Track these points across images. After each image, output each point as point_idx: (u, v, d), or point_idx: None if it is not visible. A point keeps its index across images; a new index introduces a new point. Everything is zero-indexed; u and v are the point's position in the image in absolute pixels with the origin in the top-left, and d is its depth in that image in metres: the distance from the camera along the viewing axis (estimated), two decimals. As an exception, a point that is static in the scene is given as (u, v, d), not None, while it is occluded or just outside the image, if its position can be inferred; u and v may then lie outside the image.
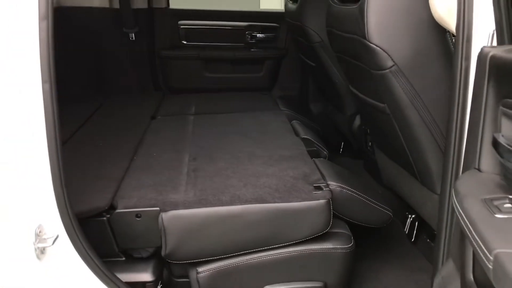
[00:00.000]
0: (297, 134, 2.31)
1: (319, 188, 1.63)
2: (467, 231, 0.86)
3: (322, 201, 1.57)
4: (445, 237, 1.42)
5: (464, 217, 0.87)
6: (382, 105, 1.66)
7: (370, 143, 2.45)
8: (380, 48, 1.48)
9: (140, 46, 3.22)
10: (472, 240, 0.83)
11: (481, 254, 0.80)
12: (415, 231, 2.14)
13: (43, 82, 1.20)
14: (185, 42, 3.33)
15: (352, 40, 1.65)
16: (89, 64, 3.11)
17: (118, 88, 3.20)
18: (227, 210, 1.54)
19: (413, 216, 2.14)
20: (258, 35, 3.35)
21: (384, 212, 1.82)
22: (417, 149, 1.62)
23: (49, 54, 1.19)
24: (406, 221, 2.18)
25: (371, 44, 1.49)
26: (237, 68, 3.42)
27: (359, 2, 1.54)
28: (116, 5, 3.06)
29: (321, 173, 1.76)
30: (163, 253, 1.56)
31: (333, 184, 1.69)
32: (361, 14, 1.50)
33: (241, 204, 1.55)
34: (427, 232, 2.09)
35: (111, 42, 3.16)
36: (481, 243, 0.80)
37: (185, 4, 3.41)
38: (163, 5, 3.27)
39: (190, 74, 3.36)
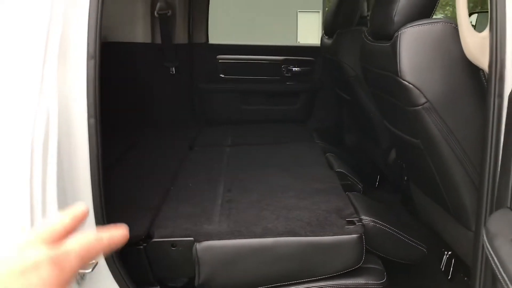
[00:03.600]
0: (331, 167, 2.33)
1: (351, 222, 1.64)
2: (497, 272, 0.86)
3: (354, 236, 1.58)
4: (480, 275, 1.39)
5: (494, 257, 0.87)
6: (415, 140, 1.67)
7: (405, 178, 2.43)
8: (413, 85, 1.49)
9: (179, 79, 3.34)
10: (502, 282, 0.83)
11: (511, 296, 0.80)
12: (451, 269, 2.09)
13: (89, 117, 1.28)
14: (223, 76, 3.43)
15: (385, 77, 1.67)
16: (130, 96, 3.24)
17: (157, 119, 3.31)
18: (259, 242, 1.57)
19: (450, 252, 2.10)
20: (294, 68, 3.42)
21: (418, 249, 1.80)
22: (451, 185, 1.61)
23: (95, 90, 1.28)
24: (443, 258, 2.14)
25: (404, 81, 1.51)
26: (273, 101, 3.49)
27: (392, 40, 1.57)
28: (158, 40, 3.21)
29: (354, 207, 1.77)
30: (196, 283, 1.59)
31: (366, 219, 1.69)
32: (393, 52, 1.53)
33: (273, 237, 1.57)
34: (464, 270, 2.03)
35: (152, 75, 3.29)
36: (510, 286, 0.80)
37: (224, 39, 3.53)
38: (203, 40, 3.40)
39: (228, 107, 3.45)
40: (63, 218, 0.51)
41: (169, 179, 2.13)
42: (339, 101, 3.32)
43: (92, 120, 1.28)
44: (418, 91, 1.49)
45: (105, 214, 1.33)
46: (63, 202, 1.26)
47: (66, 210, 0.52)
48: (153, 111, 3.33)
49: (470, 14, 3.27)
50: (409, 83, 1.50)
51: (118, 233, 0.54)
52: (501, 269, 0.84)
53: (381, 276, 1.64)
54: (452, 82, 1.49)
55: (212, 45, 3.44)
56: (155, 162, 2.40)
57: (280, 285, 1.59)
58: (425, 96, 1.49)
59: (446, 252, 2.11)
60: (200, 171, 2.26)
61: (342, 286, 1.59)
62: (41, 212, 1.20)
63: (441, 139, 1.53)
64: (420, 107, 1.51)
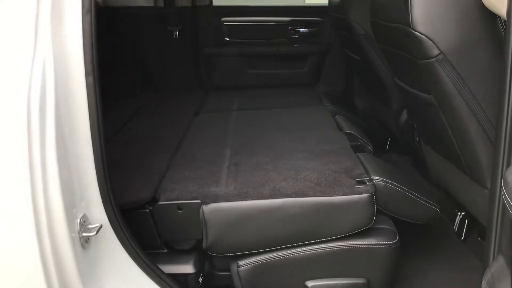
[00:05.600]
0: (340, 129, 2.27)
1: (362, 182, 1.59)
2: None
3: (364, 195, 1.53)
4: (495, 234, 1.35)
5: (514, 208, 0.82)
6: (428, 96, 1.60)
7: (417, 138, 2.37)
8: (425, 36, 1.42)
9: (183, 43, 3.27)
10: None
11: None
12: (465, 229, 2.05)
13: (87, 75, 1.23)
14: (228, 39, 3.35)
15: (396, 30, 1.59)
16: (134, 62, 3.19)
17: (162, 85, 3.26)
18: (267, 203, 1.53)
19: (463, 213, 2.06)
20: (301, 30, 3.32)
21: (431, 208, 1.75)
22: (466, 142, 1.55)
23: (92, 46, 1.22)
24: (455, 219, 2.10)
25: (416, 33, 1.43)
26: (280, 64, 3.41)
27: None
28: (161, 3, 3.12)
29: (364, 167, 1.72)
30: (204, 245, 1.57)
31: (377, 179, 1.64)
32: (405, 2, 1.45)
33: (281, 198, 1.54)
34: (478, 230, 2.00)
35: (155, 40, 3.22)
36: None
37: (228, 1, 3.43)
38: (207, 3, 3.30)
39: (234, 71, 3.38)
40: None
41: (175, 144, 2.09)
42: (349, 62, 3.23)
43: (90, 78, 1.23)
44: (431, 42, 1.42)
45: (107, 175, 1.30)
46: (65, 164, 1.23)
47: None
48: (157, 76, 3.28)
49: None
50: (422, 34, 1.42)
51: None
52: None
53: (393, 236, 1.60)
54: (467, 31, 1.40)
55: (216, 7, 3.34)
56: (160, 127, 2.36)
57: (289, 246, 1.57)
58: (438, 47, 1.41)
59: (459, 213, 2.07)
60: (206, 136, 2.22)
61: (353, 247, 1.56)
62: (41, 176, 1.17)
63: (455, 93, 1.46)
64: (433, 59, 1.43)
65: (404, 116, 2.58)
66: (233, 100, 2.90)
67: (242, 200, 1.54)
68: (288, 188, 1.57)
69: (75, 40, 1.22)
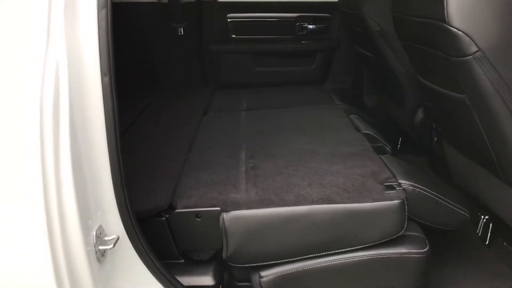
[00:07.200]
0: (357, 129, 2.18)
1: (391, 187, 1.50)
2: None
3: (395, 202, 1.45)
4: None
5: None
6: (460, 95, 1.51)
7: (435, 139, 2.28)
8: (463, 32, 1.32)
9: (188, 40, 3.16)
10: None
11: None
12: (489, 234, 1.97)
13: (103, 74, 1.13)
14: (234, 36, 3.24)
15: (426, 25, 1.50)
16: (138, 59, 3.07)
17: (167, 83, 3.16)
18: (292, 210, 1.44)
19: (487, 217, 1.97)
20: (309, 26, 3.22)
21: (460, 213, 1.67)
22: (502, 144, 1.46)
23: (108, 44, 1.12)
24: (479, 223, 2.02)
25: (452, 28, 1.34)
26: (287, 61, 3.31)
27: None
28: (165, -1, 3.02)
29: (390, 171, 1.63)
30: (224, 255, 1.47)
31: (405, 183, 1.55)
32: (439, -5, 1.36)
33: (307, 205, 1.44)
34: (504, 235, 1.91)
35: (159, 37, 3.12)
36: None
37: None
38: None
39: (240, 68, 3.27)
40: None
41: (186, 145, 1.99)
42: (359, 59, 3.14)
43: (107, 79, 1.13)
44: (468, 39, 1.32)
45: (124, 181, 1.20)
46: (79, 171, 1.13)
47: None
48: (162, 74, 3.17)
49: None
50: (458, 29, 1.33)
51: None
52: None
53: (423, 244, 1.52)
54: (508, 27, 1.31)
55: (222, 3, 3.23)
56: (169, 127, 2.26)
57: (315, 256, 1.48)
58: (476, 44, 1.32)
59: (482, 216, 1.99)
60: (218, 137, 2.12)
61: (383, 256, 1.47)
62: (55, 185, 1.07)
63: (493, 93, 1.37)
64: (470, 56, 1.34)
65: (419, 115, 2.49)
66: (241, 98, 2.80)
67: (265, 208, 1.44)
68: (313, 195, 1.47)
69: (89, 37, 1.12)
